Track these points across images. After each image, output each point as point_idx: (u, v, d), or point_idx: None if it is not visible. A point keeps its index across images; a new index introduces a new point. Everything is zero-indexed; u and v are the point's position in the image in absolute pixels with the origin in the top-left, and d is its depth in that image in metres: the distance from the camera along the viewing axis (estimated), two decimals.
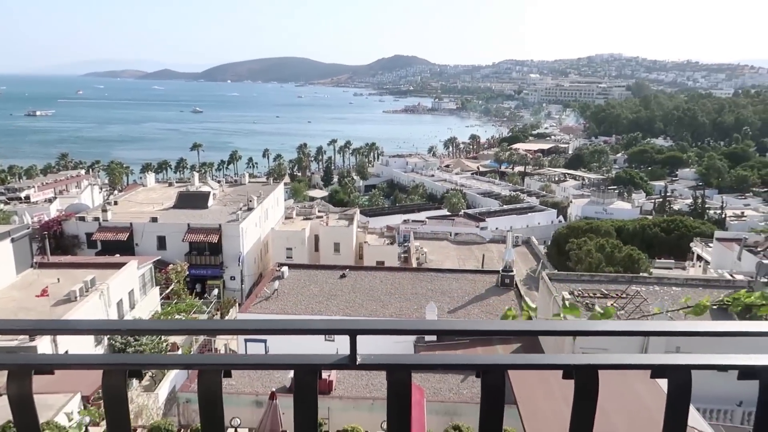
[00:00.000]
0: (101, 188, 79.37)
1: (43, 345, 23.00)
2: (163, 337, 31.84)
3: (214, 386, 1.58)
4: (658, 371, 1.59)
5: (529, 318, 1.84)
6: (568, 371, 1.59)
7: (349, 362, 1.55)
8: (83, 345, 24.81)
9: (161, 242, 47.35)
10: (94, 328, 1.67)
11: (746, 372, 1.60)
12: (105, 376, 1.56)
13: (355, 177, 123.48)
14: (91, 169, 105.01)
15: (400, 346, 24.46)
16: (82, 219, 48.38)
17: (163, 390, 25.12)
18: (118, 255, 40.35)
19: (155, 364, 1.76)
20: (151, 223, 47.73)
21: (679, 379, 1.58)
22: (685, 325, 1.77)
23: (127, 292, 32.68)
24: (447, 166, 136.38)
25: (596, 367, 1.59)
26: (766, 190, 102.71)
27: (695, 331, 1.77)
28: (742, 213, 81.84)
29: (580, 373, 1.58)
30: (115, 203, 54.57)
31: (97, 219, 48.08)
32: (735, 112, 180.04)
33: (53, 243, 43.15)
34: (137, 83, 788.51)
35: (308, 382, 1.56)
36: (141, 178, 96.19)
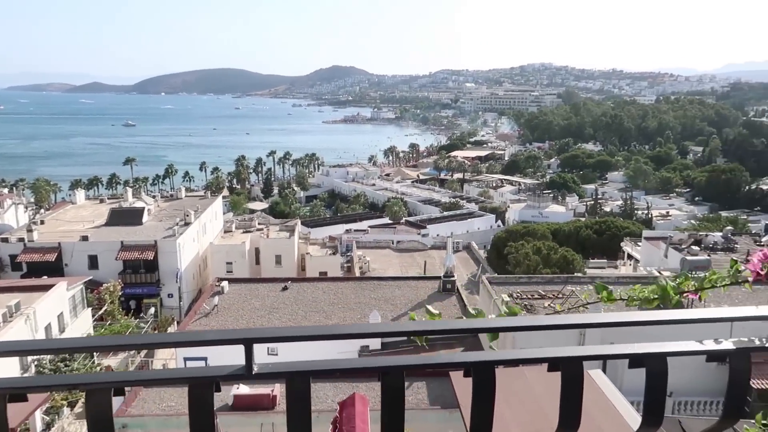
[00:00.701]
0: (26, 207, 75.31)
1: None
2: (96, 361, 30.52)
3: (105, 407, 1.49)
4: (553, 364, 1.63)
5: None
6: (467, 369, 1.60)
7: (245, 372, 1.51)
8: (8, 371, 23.41)
9: (93, 261, 45.45)
10: None
11: (634, 360, 1.66)
12: None
13: (295, 188, 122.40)
14: (14, 188, 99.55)
15: (345, 356, 24.23)
16: (5, 240, 45.84)
17: None
18: (45, 277, 38.40)
19: (38, 386, 1.66)
20: (81, 242, 45.70)
21: (572, 371, 1.62)
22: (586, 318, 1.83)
23: (56, 315, 31.12)
24: (387, 174, 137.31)
25: (493, 363, 1.61)
26: (688, 190, 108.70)
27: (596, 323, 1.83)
28: (667, 213, 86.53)
29: (477, 370, 1.59)
30: (42, 222, 51.92)
31: (21, 240, 45.67)
32: (657, 117, 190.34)
33: None
34: (64, 97, 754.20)
35: (204, 396, 1.50)
36: (70, 195, 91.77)
